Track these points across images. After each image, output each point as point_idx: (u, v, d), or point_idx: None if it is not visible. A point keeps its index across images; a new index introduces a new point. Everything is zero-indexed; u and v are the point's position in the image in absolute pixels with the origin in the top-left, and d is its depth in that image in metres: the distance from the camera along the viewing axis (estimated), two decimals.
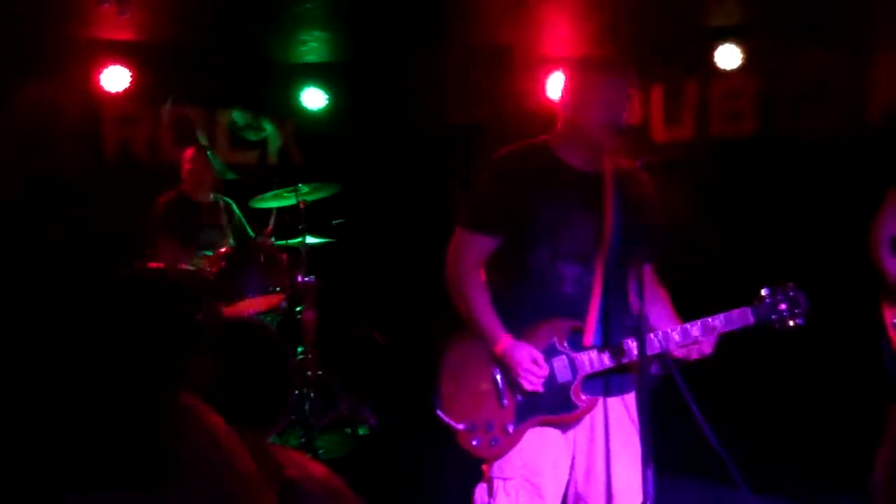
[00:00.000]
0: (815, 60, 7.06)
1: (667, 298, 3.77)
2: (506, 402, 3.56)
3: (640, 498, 3.31)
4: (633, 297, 3.55)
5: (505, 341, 3.53)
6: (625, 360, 3.52)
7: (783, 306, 3.53)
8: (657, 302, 3.72)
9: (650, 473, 3.21)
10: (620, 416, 3.63)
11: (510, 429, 3.55)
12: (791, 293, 3.54)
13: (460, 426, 3.57)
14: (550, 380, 3.54)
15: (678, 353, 3.56)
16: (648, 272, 3.75)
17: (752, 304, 3.54)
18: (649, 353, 3.42)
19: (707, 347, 3.57)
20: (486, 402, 3.58)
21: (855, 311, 5.21)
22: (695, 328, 3.53)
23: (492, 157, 3.71)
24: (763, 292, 3.55)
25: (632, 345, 3.46)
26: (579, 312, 3.54)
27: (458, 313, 3.66)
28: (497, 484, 3.60)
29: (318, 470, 1.39)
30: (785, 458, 5.91)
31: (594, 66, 3.63)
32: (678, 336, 3.52)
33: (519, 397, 3.55)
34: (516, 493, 3.57)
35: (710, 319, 3.54)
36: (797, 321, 3.54)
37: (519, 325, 3.57)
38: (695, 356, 3.58)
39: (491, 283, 3.66)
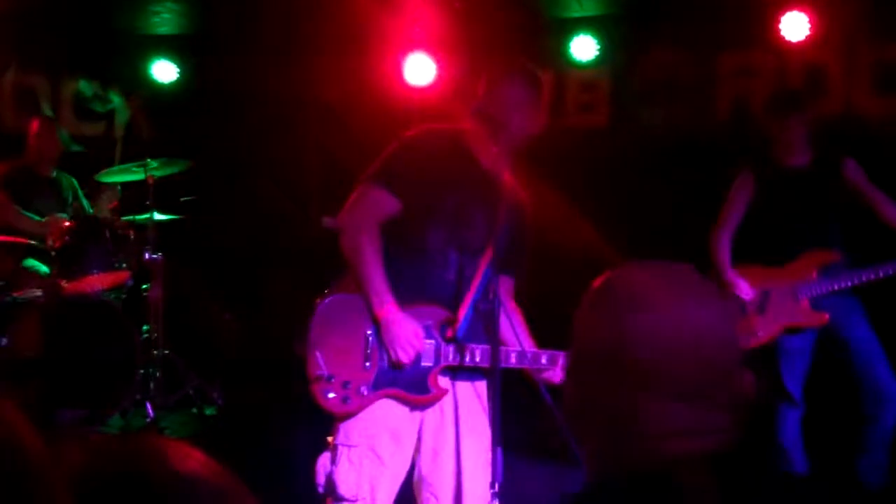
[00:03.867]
0: (667, 55, 7.25)
1: (521, 315, 3.86)
2: (369, 364, 3.59)
3: (488, 479, 3.35)
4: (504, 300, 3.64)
5: (391, 307, 3.57)
6: (481, 363, 3.59)
7: None
8: (512, 317, 3.79)
9: (499, 455, 3.27)
10: (470, 401, 3.71)
11: (364, 391, 3.58)
12: None
13: (321, 371, 3.54)
14: (416, 360, 3.59)
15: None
16: (509, 287, 3.82)
17: None
18: (504, 365, 3.53)
19: (557, 377, 3.64)
20: (351, 359, 3.59)
21: None
22: (543, 356, 3.63)
23: (411, 130, 3.79)
24: None
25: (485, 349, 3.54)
26: (455, 301, 3.63)
27: (347, 265, 3.66)
28: (341, 451, 3.62)
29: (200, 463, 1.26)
30: None
31: (528, 80, 3.78)
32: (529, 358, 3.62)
33: (383, 364, 3.59)
34: (359, 460, 3.59)
35: (558, 353, 3.62)
36: None
37: (400, 298, 3.61)
38: (556, 381, 3.64)
39: (384, 252, 3.67)
